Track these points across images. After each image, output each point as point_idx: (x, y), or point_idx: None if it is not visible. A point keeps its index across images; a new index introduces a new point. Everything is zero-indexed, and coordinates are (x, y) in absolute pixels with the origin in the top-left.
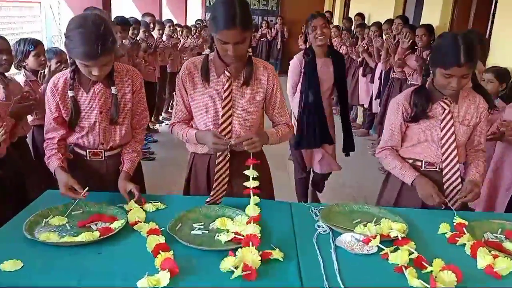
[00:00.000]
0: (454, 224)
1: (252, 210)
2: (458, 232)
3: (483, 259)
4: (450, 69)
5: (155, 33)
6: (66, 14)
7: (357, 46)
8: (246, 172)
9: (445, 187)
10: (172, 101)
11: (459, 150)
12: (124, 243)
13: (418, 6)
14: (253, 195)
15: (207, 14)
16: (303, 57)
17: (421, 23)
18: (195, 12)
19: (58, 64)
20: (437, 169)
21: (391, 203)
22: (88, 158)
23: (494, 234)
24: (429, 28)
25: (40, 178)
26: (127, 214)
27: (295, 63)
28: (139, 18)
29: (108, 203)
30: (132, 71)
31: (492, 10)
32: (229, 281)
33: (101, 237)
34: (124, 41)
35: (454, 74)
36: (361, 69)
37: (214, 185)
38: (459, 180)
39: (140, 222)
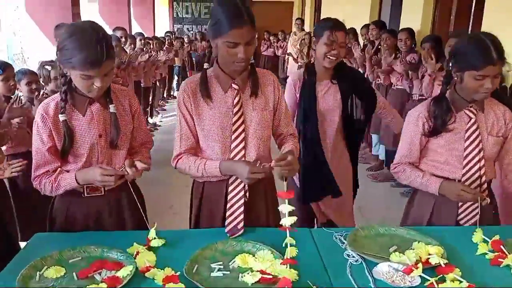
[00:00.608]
0: (490, 242)
1: (289, 252)
2: (499, 253)
3: None
4: (483, 70)
5: (126, 48)
6: (30, 31)
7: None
8: (280, 208)
9: (459, 204)
10: (147, 117)
11: (487, 164)
12: None
13: (394, 10)
14: (289, 235)
15: (175, 25)
16: (301, 78)
17: (400, 27)
18: (163, 24)
19: (29, 85)
20: None
21: (423, 223)
22: (85, 195)
23: None
24: (411, 32)
25: (23, 219)
26: (135, 259)
27: (290, 85)
28: (109, 32)
29: (110, 246)
30: (128, 92)
31: (472, 13)
32: None
33: None
34: None
35: (488, 74)
36: None
37: (228, 212)
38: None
39: (152, 267)
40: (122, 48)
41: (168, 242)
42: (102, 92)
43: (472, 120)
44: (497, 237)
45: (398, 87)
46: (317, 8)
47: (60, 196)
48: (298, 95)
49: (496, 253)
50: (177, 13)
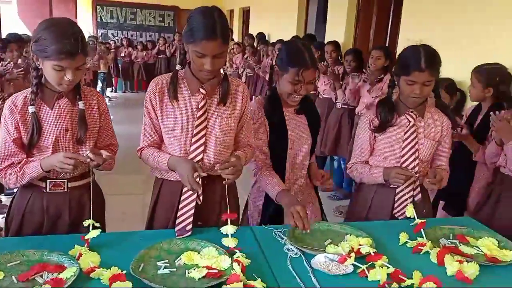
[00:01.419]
0: (415, 226)
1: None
2: (419, 242)
3: (451, 265)
4: (412, 75)
5: None
6: None
7: (262, 63)
8: (222, 230)
9: (396, 198)
10: None
11: (422, 165)
12: None
13: (319, 23)
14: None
15: (99, 30)
16: (264, 106)
17: (325, 40)
18: (85, 29)
19: None
20: (389, 184)
21: (361, 219)
22: (47, 190)
23: (448, 240)
24: (336, 44)
25: None
26: (77, 260)
27: (255, 113)
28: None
29: (50, 249)
30: (96, 92)
31: (389, 27)
32: None
33: None
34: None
35: (416, 80)
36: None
37: (179, 213)
38: (410, 193)
39: (96, 267)
40: None
41: (113, 243)
42: (72, 86)
43: (411, 124)
44: (420, 221)
45: (324, 96)
46: (245, 20)
47: (22, 189)
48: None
49: (416, 241)
50: (101, 17)
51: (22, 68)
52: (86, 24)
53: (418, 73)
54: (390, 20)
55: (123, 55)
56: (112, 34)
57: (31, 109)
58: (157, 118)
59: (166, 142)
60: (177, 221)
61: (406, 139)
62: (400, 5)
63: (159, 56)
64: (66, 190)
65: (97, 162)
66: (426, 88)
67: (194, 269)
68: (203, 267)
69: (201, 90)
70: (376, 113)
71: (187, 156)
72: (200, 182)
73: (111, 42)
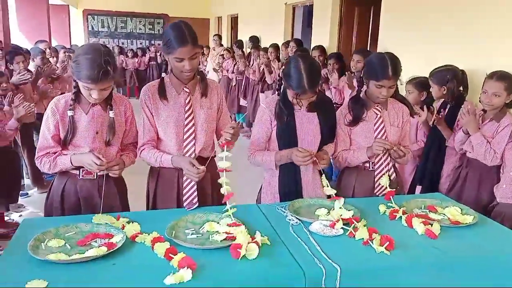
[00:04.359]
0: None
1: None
2: (393, 209)
3: (419, 226)
4: (381, 81)
5: (51, 60)
6: None
7: (252, 65)
8: (220, 154)
9: (376, 179)
10: None
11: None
12: (131, 254)
13: (305, 29)
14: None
15: (90, 39)
16: (276, 107)
17: (311, 45)
18: (78, 38)
19: None
20: (369, 168)
21: (349, 193)
22: (80, 177)
23: (420, 210)
24: (322, 49)
25: None
26: (122, 230)
27: (263, 111)
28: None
29: (98, 223)
30: (125, 100)
31: (370, 32)
32: (241, 268)
33: (109, 251)
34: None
35: (384, 85)
36: (259, 86)
37: (185, 191)
38: (387, 174)
39: (140, 233)
40: (48, 60)
41: (140, 221)
42: (100, 101)
43: (378, 116)
44: (390, 190)
45: None
46: (233, 27)
47: (59, 176)
48: (273, 124)
49: (391, 208)
50: (92, 26)
51: (30, 77)
52: (78, 33)
53: (386, 80)
54: (371, 24)
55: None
56: (104, 42)
57: (69, 113)
58: (153, 116)
59: (162, 135)
60: (184, 197)
61: (376, 129)
62: (379, 11)
63: (150, 63)
64: (95, 177)
65: (118, 175)
66: (391, 90)
67: (216, 234)
68: (223, 232)
69: (185, 89)
70: (349, 109)
71: (181, 143)
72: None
73: None
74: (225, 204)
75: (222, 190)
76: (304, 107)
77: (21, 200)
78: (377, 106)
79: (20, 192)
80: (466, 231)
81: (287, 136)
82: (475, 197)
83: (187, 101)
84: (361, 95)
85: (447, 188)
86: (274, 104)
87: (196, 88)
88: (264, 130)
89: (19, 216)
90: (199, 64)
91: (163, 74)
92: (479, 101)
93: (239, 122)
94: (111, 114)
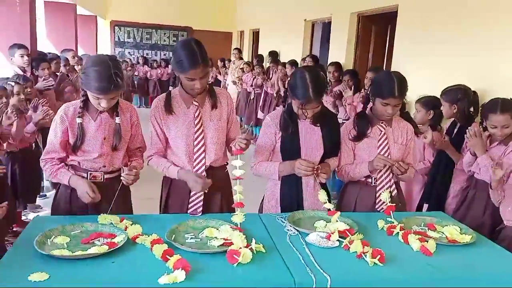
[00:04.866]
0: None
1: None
2: (392, 224)
3: (414, 243)
4: (387, 99)
5: (77, 68)
6: None
7: (271, 79)
8: (233, 163)
9: (377, 194)
10: None
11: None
12: (130, 253)
13: (323, 46)
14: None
15: (116, 49)
16: (281, 118)
17: (328, 61)
18: (104, 47)
19: (5, 98)
20: (371, 183)
21: (350, 207)
22: (88, 179)
23: (419, 227)
24: (338, 65)
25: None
26: (125, 230)
27: (268, 123)
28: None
29: (102, 224)
30: (131, 107)
31: (386, 50)
32: (233, 273)
33: (110, 250)
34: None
35: (389, 103)
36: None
37: (191, 199)
38: (388, 190)
39: (140, 235)
40: (73, 69)
41: (146, 222)
42: (108, 108)
43: (382, 133)
44: (390, 205)
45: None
46: (255, 41)
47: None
48: (278, 135)
49: (388, 224)
50: (118, 37)
51: (53, 83)
52: (105, 43)
53: (392, 99)
54: (387, 43)
55: (139, 73)
56: (129, 52)
57: (78, 120)
58: (161, 129)
59: (173, 148)
60: (190, 205)
61: (380, 145)
62: (395, 30)
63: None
64: (102, 180)
65: (132, 182)
66: (396, 108)
67: (214, 240)
68: (221, 238)
69: (194, 102)
70: (354, 125)
71: (191, 156)
72: (205, 174)
73: (127, 60)
74: (232, 211)
75: (235, 198)
76: (308, 119)
77: (39, 201)
78: (382, 123)
79: (40, 193)
80: (463, 250)
81: (290, 146)
82: (481, 218)
83: (196, 114)
84: (366, 112)
85: (453, 208)
86: (279, 117)
87: (206, 100)
88: (268, 142)
89: (36, 216)
90: (219, 76)
91: (171, 88)
92: (487, 132)
93: (252, 131)
94: (117, 120)
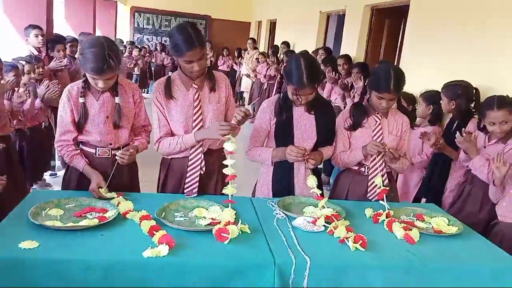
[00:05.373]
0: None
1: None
2: (378, 212)
3: (398, 231)
4: (381, 93)
5: None
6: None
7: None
8: (224, 146)
9: (369, 183)
10: None
11: (387, 156)
12: (120, 227)
13: (337, 38)
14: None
15: (135, 35)
16: (276, 105)
17: (340, 54)
18: (123, 33)
19: (15, 77)
20: (364, 172)
21: (343, 195)
22: (96, 155)
23: (408, 217)
24: (348, 58)
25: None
26: (117, 206)
27: (264, 109)
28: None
29: (97, 198)
30: (133, 85)
31: (398, 44)
32: (216, 250)
33: (100, 223)
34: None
35: (384, 97)
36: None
37: (187, 180)
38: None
39: (131, 211)
40: None
41: (138, 201)
42: (105, 89)
43: (377, 123)
44: (384, 188)
45: (336, 104)
46: (272, 31)
47: None
48: (272, 121)
49: (376, 212)
50: (138, 23)
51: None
52: (124, 28)
53: (386, 93)
54: (400, 37)
55: (156, 60)
56: (147, 39)
57: (81, 100)
58: (165, 112)
59: (173, 130)
60: (186, 186)
61: (375, 135)
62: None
63: None
64: (110, 156)
65: (127, 162)
66: (391, 102)
67: (202, 219)
68: (209, 218)
69: (194, 85)
70: (350, 114)
71: None
72: (202, 157)
73: (145, 47)
74: (227, 184)
75: (226, 171)
76: (303, 106)
77: (49, 180)
78: (377, 114)
79: (50, 172)
80: (448, 241)
81: (283, 132)
82: (476, 214)
83: (195, 97)
84: (363, 103)
85: (449, 202)
86: (275, 103)
87: (205, 83)
88: (263, 128)
89: (34, 189)
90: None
91: (170, 73)
92: (486, 129)
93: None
94: (117, 100)
